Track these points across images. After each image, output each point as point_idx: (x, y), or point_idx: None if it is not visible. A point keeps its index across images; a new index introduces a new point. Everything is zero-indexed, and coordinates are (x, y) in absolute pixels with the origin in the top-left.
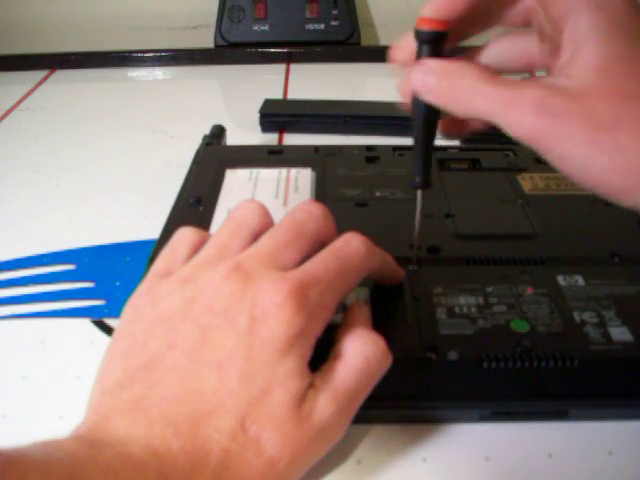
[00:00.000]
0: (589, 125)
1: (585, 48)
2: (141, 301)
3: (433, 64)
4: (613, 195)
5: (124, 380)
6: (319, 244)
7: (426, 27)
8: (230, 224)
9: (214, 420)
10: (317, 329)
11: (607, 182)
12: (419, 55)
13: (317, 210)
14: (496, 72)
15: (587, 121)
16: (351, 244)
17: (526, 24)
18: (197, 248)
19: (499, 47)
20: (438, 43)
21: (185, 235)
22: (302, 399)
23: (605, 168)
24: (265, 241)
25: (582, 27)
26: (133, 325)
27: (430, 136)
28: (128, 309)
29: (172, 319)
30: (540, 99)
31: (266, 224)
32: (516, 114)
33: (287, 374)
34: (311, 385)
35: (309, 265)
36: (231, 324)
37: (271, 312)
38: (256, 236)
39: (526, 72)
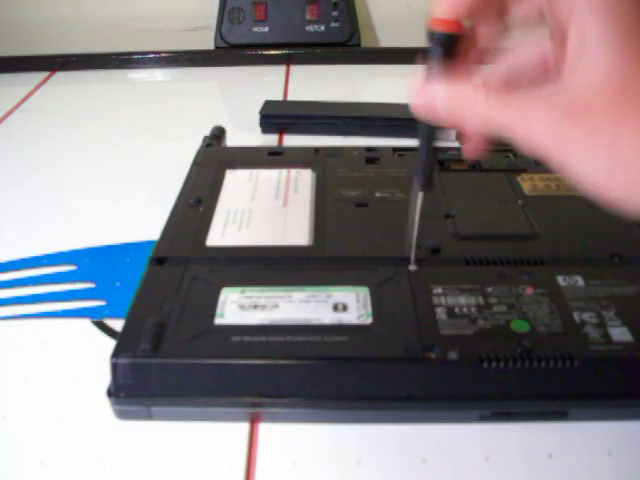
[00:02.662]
0: (589, 144)
1: (588, 58)
2: None
3: (440, 92)
4: (612, 204)
5: None
6: None
7: (440, 29)
8: None
9: None
10: None
11: (605, 193)
12: (429, 55)
13: None
14: (501, 84)
15: (587, 141)
16: None
17: (540, 18)
18: None
19: (512, 50)
20: (452, 46)
21: None
22: None
23: (602, 181)
24: None
25: (587, 34)
26: None
27: (435, 140)
28: None
29: None
30: (545, 122)
31: None
32: (524, 137)
33: None
34: None
35: None
36: None
37: None
38: None
39: (542, 73)
